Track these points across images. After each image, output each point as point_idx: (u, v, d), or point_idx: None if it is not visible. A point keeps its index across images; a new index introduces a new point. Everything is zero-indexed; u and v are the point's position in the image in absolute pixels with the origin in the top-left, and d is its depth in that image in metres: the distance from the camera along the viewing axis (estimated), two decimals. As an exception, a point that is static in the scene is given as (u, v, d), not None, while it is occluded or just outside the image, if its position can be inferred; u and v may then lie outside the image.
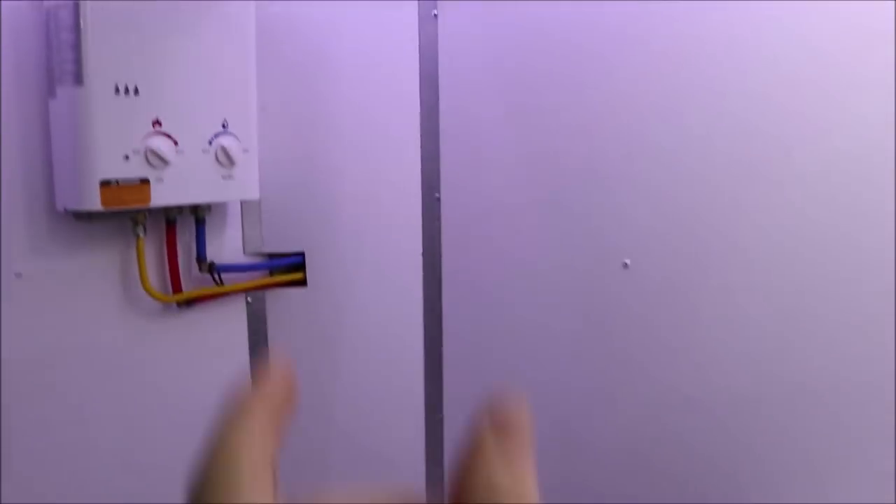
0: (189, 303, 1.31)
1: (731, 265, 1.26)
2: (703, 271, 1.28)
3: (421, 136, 1.40)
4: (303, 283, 1.43)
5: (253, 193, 1.25)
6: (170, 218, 1.25)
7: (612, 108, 1.28)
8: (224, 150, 1.18)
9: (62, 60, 1.05)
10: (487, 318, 1.42)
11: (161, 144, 1.11)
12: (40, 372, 1.17)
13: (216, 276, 1.32)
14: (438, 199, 1.41)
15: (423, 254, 1.43)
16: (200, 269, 1.31)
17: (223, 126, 1.19)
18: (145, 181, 1.11)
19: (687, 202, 1.27)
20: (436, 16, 1.38)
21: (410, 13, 1.38)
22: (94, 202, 1.07)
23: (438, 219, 1.42)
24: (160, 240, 1.27)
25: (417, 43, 1.38)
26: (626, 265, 1.30)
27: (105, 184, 1.07)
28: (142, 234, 1.20)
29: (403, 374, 1.48)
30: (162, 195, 1.13)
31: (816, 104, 1.19)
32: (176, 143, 1.13)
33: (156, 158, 1.11)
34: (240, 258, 1.40)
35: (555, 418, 1.42)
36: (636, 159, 1.28)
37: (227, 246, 1.37)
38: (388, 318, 1.45)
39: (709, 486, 1.35)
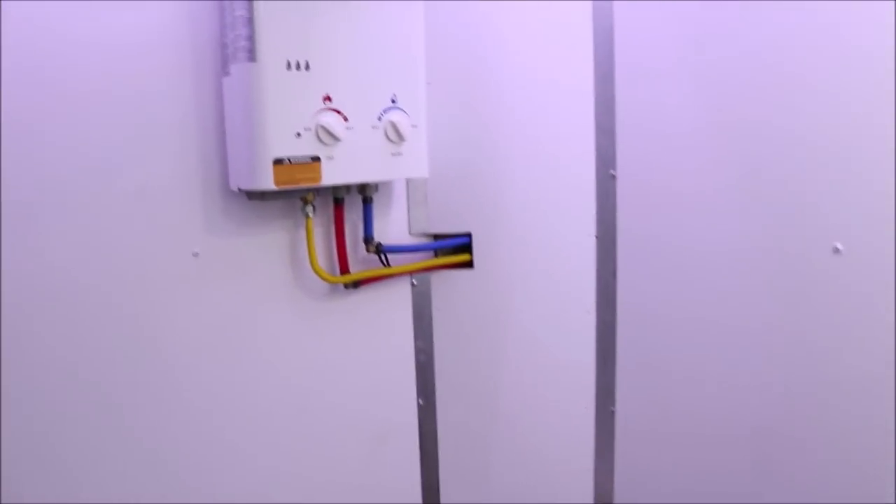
0: (355, 284, 1.28)
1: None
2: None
3: (595, 107, 1.30)
4: (469, 265, 1.38)
5: (422, 171, 1.20)
6: (337, 197, 1.22)
7: (815, 69, 1.12)
8: (393, 125, 1.13)
9: (236, 37, 1.03)
10: (668, 306, 1.31)
11: (332, 121, 1.07)
12: (212, 349, 1.18)
13: (383, 258, 1.29)
14: (614, 177, 1.31)
15: (597, 236, 1.33)
16: (367, 250, 1.27)
17: (392, 101, 1.14)
18: (316, 159, 1.08)
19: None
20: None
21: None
22: (268, 181, 1.05)
23: (614, 198, 1.31)
24: (328, 219, 1.25)
25: (591, 6, 1.28)
26: (836, 250, 1.14)
27: (278, 162, 1.05)
28: (311, 214, 1.18)
29: (573, 363, 1.39)
30: (332, 173, 1.10)
31: None
32: (346, 118, 1.09)
33: (327, 135, 1.07)
34: (405, 238, 1.35)
35: (747, 420, 1.29)
36: (848, 129, 1.11)
37: (392, 226, 1.34)
38: (558, 303, 1.37)
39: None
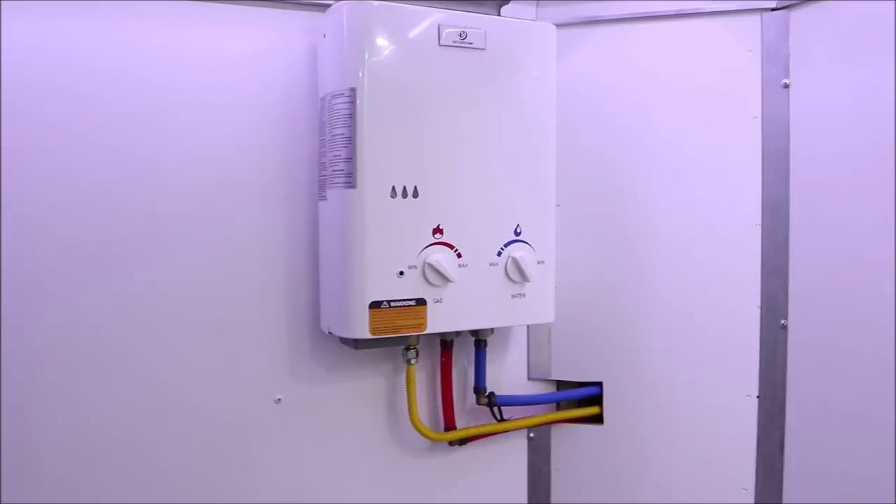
0: (462, 441, 1.07)
1: None
2: None
3: (762, 241, 1.06)
4: (598, 419, 1.14)
5: (547, 315, 1.00)
6: (446, 340, 1.03)
7: None
8: (516, 262, 0.93)
9: (334, 158, 0.87)
10: (840, 475, 1.02)
11: (442, 258, 0.89)
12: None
13: (496, 411, 1.08)
14: (784, 327, 1.05)
15: (760, 397, 1.08)
16: (478, 401, 1.07)
17: (515, 233, 0.95)
18: (421, 302, 0.90)
19: None
20: (786, 85, 1.04)
21: (749, 82, 1.06)
22: (362, 329, 0.87)
23: (784, 353, 1.06)
24: (433, 364, 1.06)
25: (760, 122, 1.05)
26: None
27: (375, 306, 0.87)
28: (413, 361, 0.99)
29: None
30: (440, 320, 0.91)
31: None
32: (459, 254, 0.91)
33: (435, 275, 0.89)
34: (523, 384, 1.14)
35: None
36: None
37: (509, 370, 1.13)
38: (707, 475, 1.11)
39: None
